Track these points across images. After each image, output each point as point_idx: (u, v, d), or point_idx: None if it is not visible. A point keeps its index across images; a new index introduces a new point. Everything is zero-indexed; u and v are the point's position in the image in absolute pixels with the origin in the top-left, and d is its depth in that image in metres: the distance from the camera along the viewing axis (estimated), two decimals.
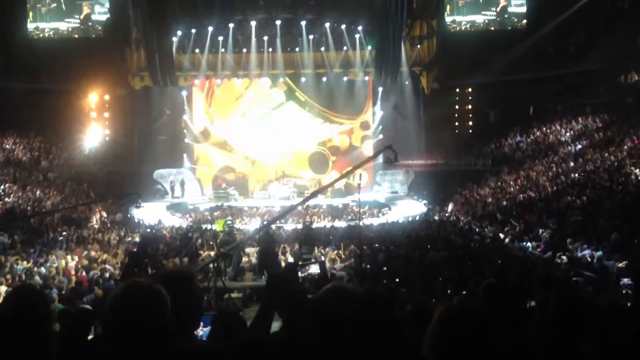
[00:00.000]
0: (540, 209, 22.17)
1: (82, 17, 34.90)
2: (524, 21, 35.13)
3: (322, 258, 16.54)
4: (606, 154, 26.19)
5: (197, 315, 2.96)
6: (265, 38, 33.88)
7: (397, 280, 13.46)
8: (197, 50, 34.33)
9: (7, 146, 32.57)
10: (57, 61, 32.63)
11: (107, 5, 34.74)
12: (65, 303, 11.27)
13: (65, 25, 35.26)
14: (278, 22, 33.26)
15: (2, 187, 26.72)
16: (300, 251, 17.23)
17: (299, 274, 13.41)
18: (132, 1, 31.77)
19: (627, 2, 31.35)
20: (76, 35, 35.12)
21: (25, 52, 33.63)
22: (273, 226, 21.22)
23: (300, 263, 14.63)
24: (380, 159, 36.25)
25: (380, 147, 17.04)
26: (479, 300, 4.49)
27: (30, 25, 35.10)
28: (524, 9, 35.13)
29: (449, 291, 13.06)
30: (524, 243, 17.28)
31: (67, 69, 32.74)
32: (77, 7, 35.20)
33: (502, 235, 19.32)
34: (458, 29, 35.21)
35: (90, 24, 35.16)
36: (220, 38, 33.76)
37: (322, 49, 34.41)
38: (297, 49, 34.65)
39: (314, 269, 14.09)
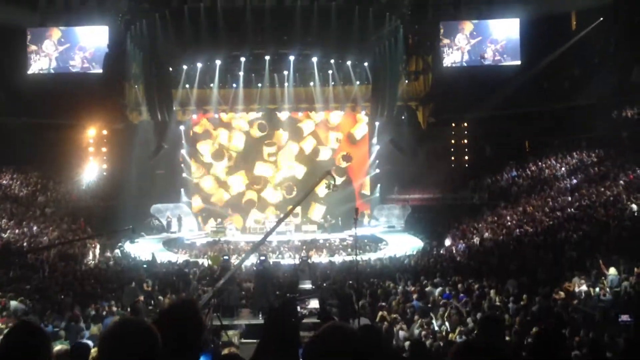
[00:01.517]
0: (537, 244, 22.18)
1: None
2: (518, 57, 35.65)
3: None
4: (602, 189, 26.31)
5: (196, 349, 2.98)
6: (256, 74, 34.47)
7: (394, 316, 13.42)
8: (195, 86, 34.60)
9: (4, 181, 32.56)
10: (55, 96, 32.88)
11: (107, 41, 35.12)
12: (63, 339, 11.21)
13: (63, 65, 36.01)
14: (269, 58, 33.64)
15: None
16: (296, 283, 17.11)
17: (298, 308, 13.37)
18: (130, 37, 32.09)
19: (620, 37, 31.77)
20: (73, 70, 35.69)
21: (24, 87, 33.90)
22: (270, 261, 21.14)
23: (298, 297, 14.61)
24: (377, 193, 36.82)
25: (323, 174, 17.17)
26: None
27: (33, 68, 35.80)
28: (517, 46, 35.65)
29: (446, 326, 13.05)
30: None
31: (65, 103, 32.96)
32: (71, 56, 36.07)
33: None
34: (452, 65, 35.76)
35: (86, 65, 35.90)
36: (224, 73, 34.40)
37: (318, 84, 34.74)
38: (293, 84, 34.88)
39: (313, 304, 14.02)
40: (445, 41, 36.03)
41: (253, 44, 32.47)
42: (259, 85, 34.77)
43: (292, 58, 33.62)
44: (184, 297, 14.44)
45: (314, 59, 33.73)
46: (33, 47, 35.84)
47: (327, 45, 32.62)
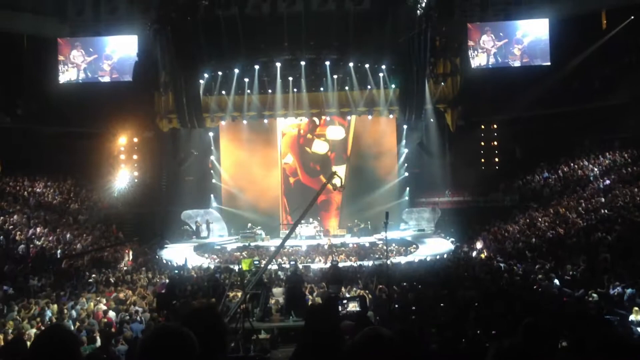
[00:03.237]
0: (570, 246, 21.86)
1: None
2: (548, 58, 35.24)
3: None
4: (636, 189, 25.85)
5: (222, 351, 2.98)
6: (290, 79, 34.05)
7: (426, 319, 13.29)
8: (223, 92, 34.61)
9: (37, 190, 33.08)
10: (86, 105, 33.33)
11: (136, 50, 35.54)
12: (94, 345, 11.36)
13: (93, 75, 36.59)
14: (303, 63, 33.49)
15: (32, 230, 27.06)
16: (328, 290, 17.10)
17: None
18: (160, 45, 32.39)
19: None
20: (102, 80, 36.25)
21: (56, 96, 34.46)
22: (300, 266, 21.15)
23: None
24: (406, 196, 36.61)
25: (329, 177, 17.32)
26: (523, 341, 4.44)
27: (62, 78, 36.30)
28: (547, 47, 35.25)
29: (478, 331, 12.87)
30: (555, 281, 16.98)
31: (96, 112, 33.45)
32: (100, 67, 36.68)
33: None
34: (479, 67, 35.48)
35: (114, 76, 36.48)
36: (246, 79, 33.95)
37: (347, 88, 34.50)
38: (321, 89, 34.77)
39: (354, 305, 13.84)
40: (471, 43, 35.72)
41: (286, 51, 32.56)
42: (295, 90, 34.56)
43: (327, 63, 33.48)
44: (204, 303, 14.53)
45: (327, 63, 33.63)
46: (62, 58, 36.38)
47: (351, 50, 32.54)
